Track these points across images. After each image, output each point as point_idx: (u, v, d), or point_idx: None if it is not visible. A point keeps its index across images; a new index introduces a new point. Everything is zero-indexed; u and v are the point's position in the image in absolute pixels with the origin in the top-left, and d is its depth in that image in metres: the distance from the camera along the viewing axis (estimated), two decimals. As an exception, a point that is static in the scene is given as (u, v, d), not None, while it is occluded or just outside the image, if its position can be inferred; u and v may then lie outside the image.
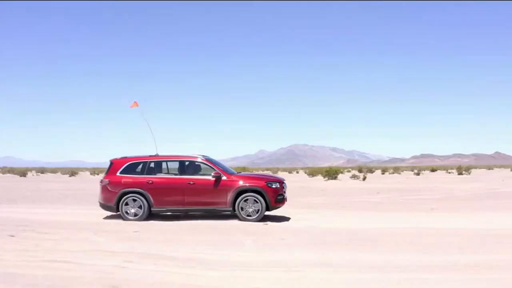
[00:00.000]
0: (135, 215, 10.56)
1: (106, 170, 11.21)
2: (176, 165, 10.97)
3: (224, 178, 10.55)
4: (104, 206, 10.95)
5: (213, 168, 10.69)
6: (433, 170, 63.55)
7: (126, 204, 10.60)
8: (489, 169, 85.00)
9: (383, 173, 55.02)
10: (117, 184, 10.73)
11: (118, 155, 11.37)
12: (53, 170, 77.33)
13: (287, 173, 66.58)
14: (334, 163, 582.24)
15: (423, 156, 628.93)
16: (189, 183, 10.54)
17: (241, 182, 10.54)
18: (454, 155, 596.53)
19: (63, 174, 59.52)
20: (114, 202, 10.65)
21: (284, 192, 10.91)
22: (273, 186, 10.55)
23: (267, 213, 10.74)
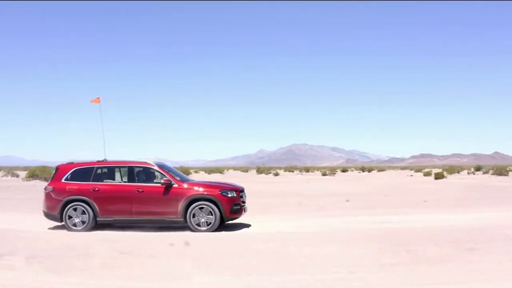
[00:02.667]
0: (80, 225, 9.80)
1: (51, 176, 10.47)
2: (125, 171, 10.23)
3: (175, 185, 9.79)
4: (47, 215, 10.20)
5: (163, 175, 9.93)
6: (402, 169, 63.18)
7: (70, 213, 9.85)
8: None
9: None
10: (61, 191, 9.98)
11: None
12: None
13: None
14: (334, 163, 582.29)
15: (422, 156, 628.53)
16: (138, 191, 9.79)
17: (193, 190, 9.78)
18: (453, 155, 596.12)
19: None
20: (58, 211, 9.89)
21: (243, 202, 10.16)
22: (229, 195, 9.79)
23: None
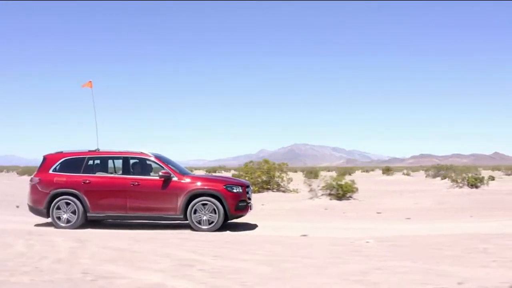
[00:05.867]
0: (68, 221, 8.82)
1: (38, 167, 9.47)
2: (119, 162, 9.24)
3: (174, 179, 8.80)
4: (33, 210, 9.21)
5: (162, 167, 8.94)
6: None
7: (58, 208, 8.86)
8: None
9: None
10: (49, 183, 8.99)
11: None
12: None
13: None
14: (335, 163, 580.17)
15: (422, 156, 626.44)
16: (133, 184, 8.80)
17: (195, 184, 8.79)
18: (453, 155, 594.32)
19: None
20: (44, 205, 8.91)
21: (249, 198, 9.16)
22: (234, 191, 8.79)
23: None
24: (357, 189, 14.98)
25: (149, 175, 9.06)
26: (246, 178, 16.89)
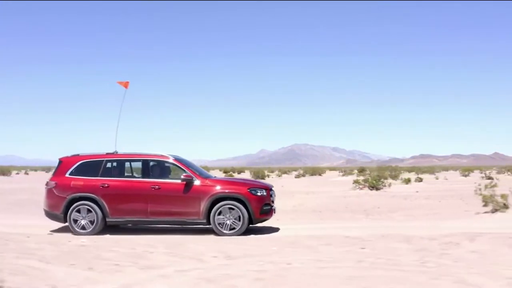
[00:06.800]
0: (86, 227, 8.49)
1: (54, 170, 9.15)
2: (139, 165, 8.93)
3: (197, 182, 8.49)
4: (49, 215, 8.89)
5: (183, 170, 8.63)
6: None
7: (76, 212, 8.54)
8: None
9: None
10: (65, 187, 8.67)
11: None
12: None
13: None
14: (335, 163, 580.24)
15: (422, 156, 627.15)
16: (153, 188, 8.49)
17: (218, 188, 8.49)
18: (453, 156, 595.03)
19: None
20: (61, 210, 8.59)
21: (272, 201, 8.86)
22: (258, 194, 8.50)
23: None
24: None
25: (169, 178, 8.78)
26: None
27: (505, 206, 10.41)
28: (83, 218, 8.50)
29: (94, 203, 8.50)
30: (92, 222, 8.46)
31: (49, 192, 8.81)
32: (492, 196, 10.68)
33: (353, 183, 20.01)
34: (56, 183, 8.77)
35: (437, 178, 37.03)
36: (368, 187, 18.88)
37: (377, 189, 18.70)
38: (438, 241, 6.70)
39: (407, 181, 25.81)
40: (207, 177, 8.92)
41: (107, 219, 8.52)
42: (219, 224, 8.29)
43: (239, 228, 8.25)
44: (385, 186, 19.54)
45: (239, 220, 8.26)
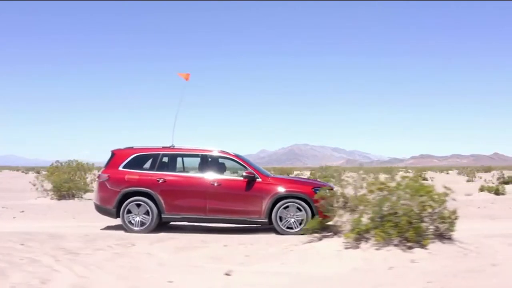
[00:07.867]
0: (142, 224, 8.08)
1: (106, 163, 8.74)
2: (196, 160, 8.53)
3: (259, 180, 8.11)
4: (100, 209, 8.50)
5: (245, 167, 8.26)
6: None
7: (130, 209, 8.13)
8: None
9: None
10: (119, 181, 8.27)
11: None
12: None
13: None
14: (335, 163, 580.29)
15: (422, 156, 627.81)
16: (213, 185, 8.10)
17: (280, 187, 8.09)
18: (453, 156, 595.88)
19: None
20: (114, 204, 8.19)
21: (334, 201, 8.45)
22: (323, 193, 8.09)
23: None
24: None
25: (227, 174, 8.40)
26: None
27: None
28: (137, 214, 8.11)
29: (150, 199, 8.10)
30: (147, 219, 8.07)
31: (101, 185, 8.41)
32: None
33: None
34: (109, 176, 8.37)
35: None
36: None
37: None
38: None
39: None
40: (267, 175, 8.54)
41: (162, 216, 8.13)
42: (281, 222, 7.90)
43: (302, 226, 7.85)
44: None
45: (302, 218, 7.84)
